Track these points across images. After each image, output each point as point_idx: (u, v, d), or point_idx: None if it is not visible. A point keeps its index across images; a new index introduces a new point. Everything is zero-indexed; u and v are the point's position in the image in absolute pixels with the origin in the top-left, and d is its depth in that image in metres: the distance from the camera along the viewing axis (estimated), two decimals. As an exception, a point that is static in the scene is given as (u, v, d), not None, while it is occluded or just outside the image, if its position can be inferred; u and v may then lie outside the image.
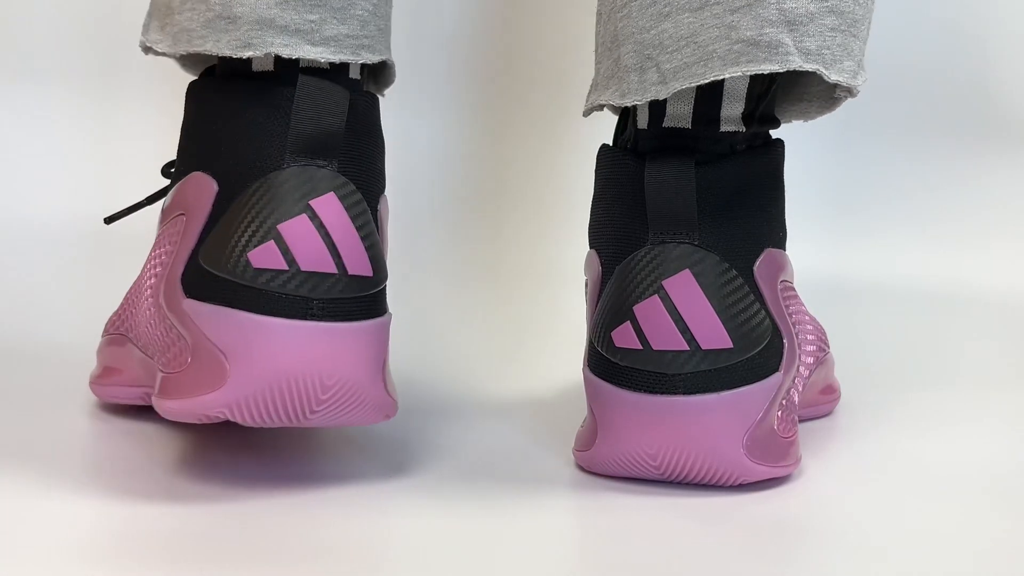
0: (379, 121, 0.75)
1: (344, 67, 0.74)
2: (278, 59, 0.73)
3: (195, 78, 0.77)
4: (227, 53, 0.71)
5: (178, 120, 1.08)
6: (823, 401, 0.84)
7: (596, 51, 0.78)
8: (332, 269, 0.67)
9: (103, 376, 0.81)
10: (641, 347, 0.69)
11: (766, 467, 0.71)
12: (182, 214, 0.72)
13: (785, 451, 0.72)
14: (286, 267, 0.66)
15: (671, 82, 0.71)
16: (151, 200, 0.82)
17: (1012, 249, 1.14)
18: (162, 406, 0.68)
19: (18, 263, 1.11)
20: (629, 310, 0.70)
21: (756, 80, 0.74)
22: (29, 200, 1.15)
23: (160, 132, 1.14)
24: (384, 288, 0.70)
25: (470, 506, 0.70)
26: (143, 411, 0.79)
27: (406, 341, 0.94)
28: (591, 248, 0.77)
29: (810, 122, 0.81)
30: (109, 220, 0.83)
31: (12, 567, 0.61)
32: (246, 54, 0.71)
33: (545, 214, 1.16)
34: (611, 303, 0.71)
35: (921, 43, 1.17)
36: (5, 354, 0.92)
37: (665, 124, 0.75)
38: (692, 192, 0.71)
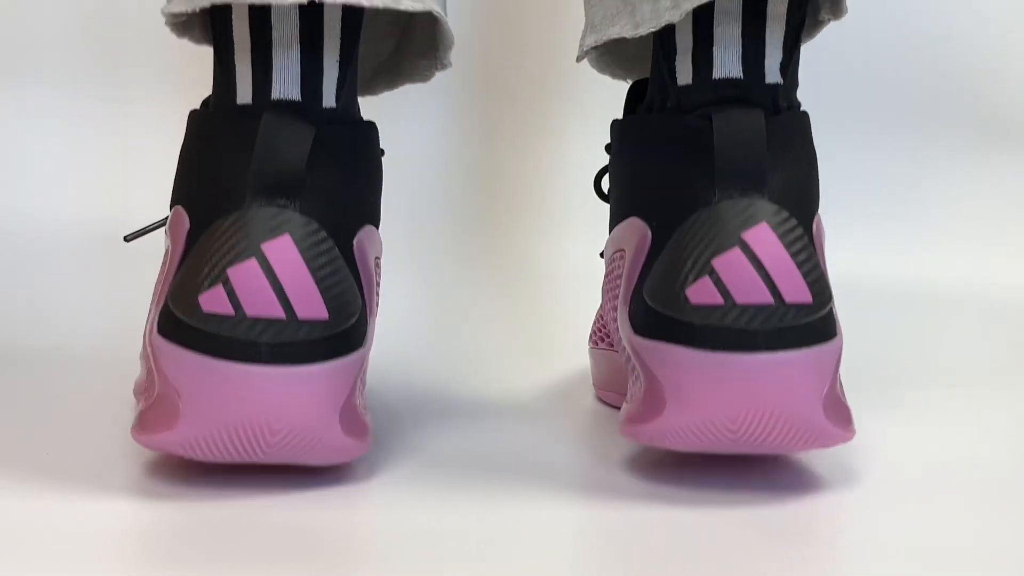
0: (366, 149, 0.73)
1: (318, 95, 0.72)
2: (255, 90, 0.72)
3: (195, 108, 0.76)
4: (281, 1, 0.68)
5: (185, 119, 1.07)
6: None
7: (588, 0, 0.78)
8: (280, 314, 0.66)
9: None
10: (723, 302, 0.66)
11: (840, 430, 0.69)
12: (170, 245, 0.73)
13: (848, 416, 0.71)
14: (232, 312, 0.66)
15: (684, 4, 0.72)
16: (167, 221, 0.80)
17: (1013, 249, 1.15)
18: (134, 438, 0.69)
19: (26, 266, 1.08)
20: (707, 264, 0.67)
21: (788, 29, 0.74)
22: (36, 202, 1.12)
23: (168, 132, 1.11)
24: (351, 327, 0.68)
25: (467, 503, 0.69)
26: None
27: (404, 338, 0.95)
28: (629, 216, 0.74)
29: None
30: (129, 238, 0.81)
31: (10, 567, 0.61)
32: None
33: (543, 212, 1.16)
34: (682, 260, 0.68)
35: (921, 43, 1.18)
36: (11, 357, 0.93)
37: (716, 75, 0.73)
38: (763, 143, 0.69)
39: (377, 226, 0.75)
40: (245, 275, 0.66)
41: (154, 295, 0.74)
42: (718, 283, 0.67)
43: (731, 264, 0.67)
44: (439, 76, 0.77)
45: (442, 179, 1.16)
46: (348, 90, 0.74)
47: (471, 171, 1.17)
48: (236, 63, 0.73)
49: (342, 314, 0.67)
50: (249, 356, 0.65)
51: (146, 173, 1.13)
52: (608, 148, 0.80)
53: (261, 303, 0.65)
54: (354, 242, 0.71)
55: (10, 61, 1.14)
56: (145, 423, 0.69)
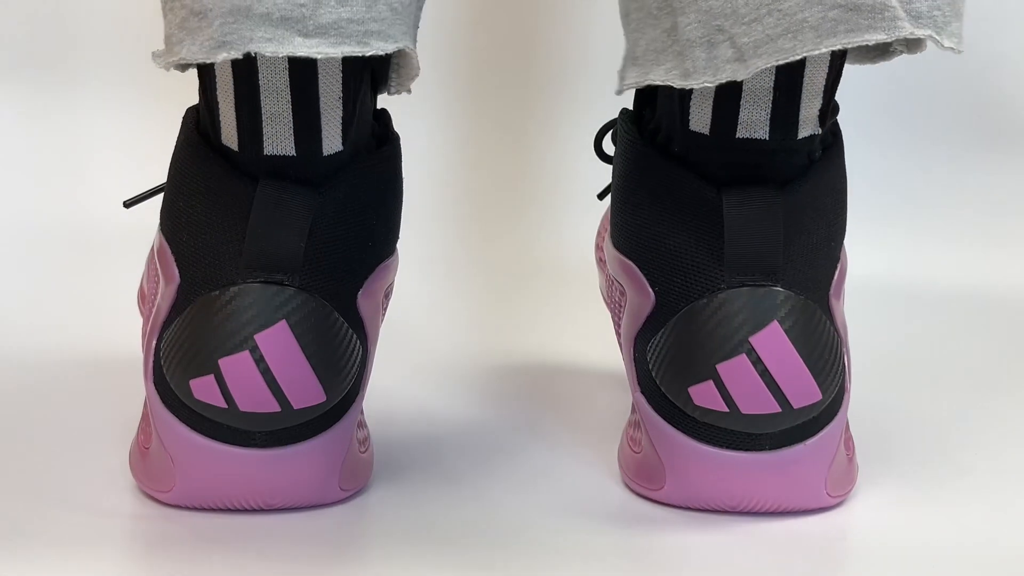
0: (378, 185, 0.67)
1: (316, 144, 0.66)
2: (243, 139, 0.65)
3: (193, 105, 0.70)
4: (200, 59, 0.61)
5: (144, 113, 1.07)
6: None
7: (627, 17, 0.67)
8: (274, 408, 0.63)
9: None
10: (728, 410, 0.64)
11: (840, 498, 0.68)
12: (159, 276, 0.69)
13: (852, 472, 0.69)
14: (225, 405, 0.63)
15: (751, 59, 0.61)
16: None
17: (1013, 247, 1.14)
18: (132, 475, 0.69)
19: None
20: (712, 369, 0.64)
21: (832, 69, 0.67)
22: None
23: (126, 125, 1.11)
24: (349, 390, 0.66)
25: (467, 510, 0.69)
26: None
27: (402, 339, 0.93)
28: (626, 256, 0.70)
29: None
30: (128, 204, 0.77)
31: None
32: (219, 57, 0.60)
33: (543, 208, 1.14)
34: (686, 354, 0.65)
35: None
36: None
37: (739, 135, 0.66)
38: (779, 234, 0.65)
39: (392, 252, 0.70)
40: (237, 369, 0.63)
41: (144, 314, 0.71)
42: (722, 391, 0.64)
43: (737, 372, 0.64)
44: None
45: (440, 175, 1.14)
46: (358, 125, 0.67)
47: (469, 167, 1.14)
48: (219, 102, 0.67)
49: (340, 387, 0.65)
50: (243, 441, 0.64)
51: (104, 161, 1.11)
52: (608, 135, 0.76)
53: (254, 399, 0.63)
54: (359, 293, 0.67)
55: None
56: (145, 473, 0.68)
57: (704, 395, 0.64)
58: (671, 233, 0.67)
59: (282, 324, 0.63)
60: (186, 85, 0.71)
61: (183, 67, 0.66)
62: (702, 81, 0.63)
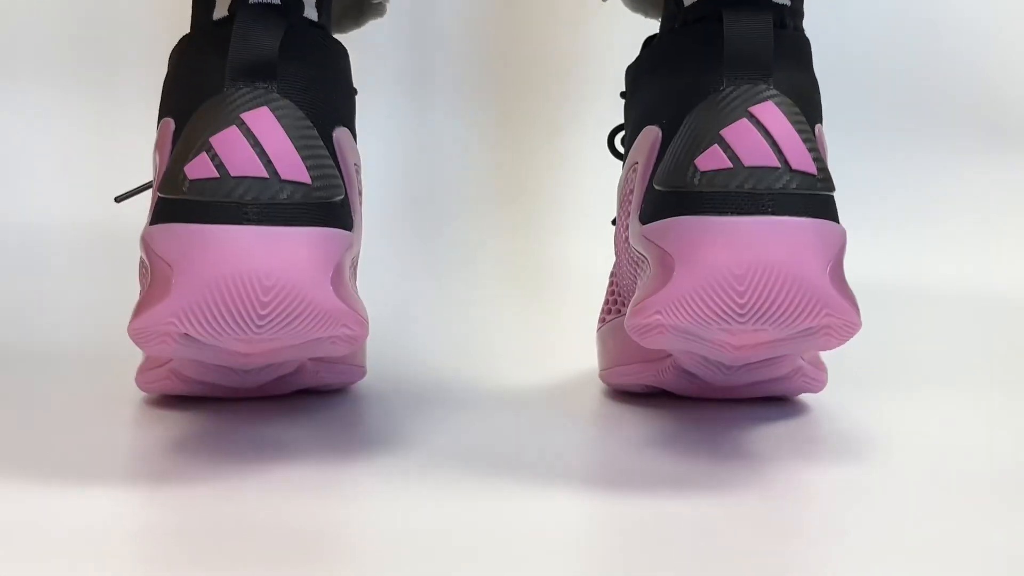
0: (338, 60, 0.77)
1: (299, 2, 0.76)
2: (232, 2, 0.75)
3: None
4: None
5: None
6: (821, 368, 0.83)
7: None
8: (263, 173, 0.68)
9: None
10: (731, 165, 0.70)
11: (847, 302, 0.70)
12: (159, 160, 0.75)
13: (855, 302, 0.72)
14: (216, 174, 0.68)
15: None
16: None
17: (1011, 247, 1.16)
18: (128, 330, 0.70)
19: (19, 266, 1.09)
20: (716, 135, 0.70)
21: None
22: (28, 202, 1.14)
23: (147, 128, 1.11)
24: (338, 203, 0.71)
25: (471, 497, 0.69)
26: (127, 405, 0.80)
27: (409, 335, 0.96)
28: (646, 126, 0.77)
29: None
30: (120, 199, 0.83)
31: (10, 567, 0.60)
32: None
33: (547, 210, 1.17)
34: (690, 138, 0.71)
35: (920, 42, 1.20)
36: (7, 357, 0.93)
37: None
38: (771, 35, 0.73)
39: (354, 135, 0.78)
40: (227, 140, 0.68)
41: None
42: (727, 149, 0.70)
43: (739, 132, 0.70)
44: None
45: (453, 176, 1.16)
46: (327, 8, 0.78)
47: (481, 168, 1.18)
48: None
49: (324, 183, 0.70)
50: (236, 218, 0.67)
51: (138, 173, 1.11)
52: (623, 95, 0.83)
53: (244, 163, 0.68)
54: (333, 134, 0.74)
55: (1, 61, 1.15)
56: (139, 307, 0.69)
57: (710, 159, 0.70)
58: (676, 73, 0.76)
59: (264, 109, 0.70)
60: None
61: None
62: None
